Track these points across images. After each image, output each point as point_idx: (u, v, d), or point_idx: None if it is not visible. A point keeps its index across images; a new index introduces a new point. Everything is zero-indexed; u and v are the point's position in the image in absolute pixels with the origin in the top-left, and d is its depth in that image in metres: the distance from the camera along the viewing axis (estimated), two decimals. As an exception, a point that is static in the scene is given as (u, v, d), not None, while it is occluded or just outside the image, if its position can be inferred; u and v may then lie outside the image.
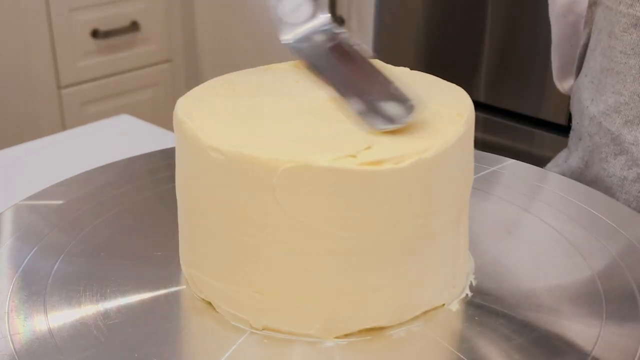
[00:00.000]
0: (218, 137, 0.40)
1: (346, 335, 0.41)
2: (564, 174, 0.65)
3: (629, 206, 0.58)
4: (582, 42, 0.66)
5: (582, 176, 0.64)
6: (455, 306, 0.43)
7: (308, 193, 0.38)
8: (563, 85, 0.74)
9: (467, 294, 0.44)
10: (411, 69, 0.50)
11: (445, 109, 0.43)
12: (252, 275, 0.41)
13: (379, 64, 0.47)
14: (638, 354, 0.39)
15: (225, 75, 0.49)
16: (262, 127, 0.42)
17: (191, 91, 0.46)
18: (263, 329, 0.41)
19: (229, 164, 0.39)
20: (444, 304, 0.43)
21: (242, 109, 0.44)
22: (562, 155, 0.69)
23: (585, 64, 0.65)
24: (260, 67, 0.50)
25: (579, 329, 0.41)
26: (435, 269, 0.42)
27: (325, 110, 0.43)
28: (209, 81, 0.48)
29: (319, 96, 0.45)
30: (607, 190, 0.60)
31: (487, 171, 0.57)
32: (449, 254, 0.43)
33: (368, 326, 0.41)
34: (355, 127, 0.41)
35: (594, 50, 0.63)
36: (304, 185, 0.38)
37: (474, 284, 0.45)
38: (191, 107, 0.44)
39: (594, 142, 0.61)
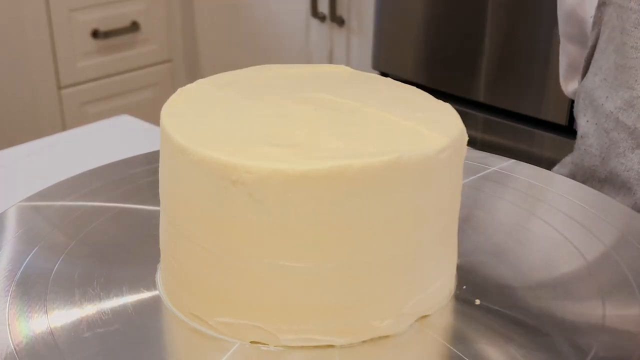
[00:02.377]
0: (192, 139, 0.40)
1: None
2: (574, 174, 0.66)
3: None
4: (590, 43, 0.66)
5: (596, 174, 0.64)
6: (447, 312, 0.43)
7: (279, 198, 0.38)
8: (568, 87, 0.75)
9: (460, 300, 0.44)
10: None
11: (433, 133, 0.42)
12: (228, 283, 0.41)
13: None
14: (637, 355, 0.39)
15: (219, 75, 0.49)
16: (241, 130, 0.42)
17: (176, 93, 0.46)
18: (246, 340, 0.41)
19: (200, 166, 0.39)
20: (436, 309, 0.43)
21: (228, 110, 0.44)
22: (568, 158, 0.69)
23: (594, 64, 0.65)
24: (256, 67, 0.50)
25: (579, 326, 0.41)
26: (427, 275, 0.42)
27: (310, 114, 0.43)
28: (195, 82, 0.48)
29: (308, 99, 0.45)
30: (624, 184, 0.61)
31: (487, 171, 0.57)
32: (440, 261, 0.43)
33: (365, 339, 0.41)
34: (334, 131, 0.41)
35: (606, 49, 0.63)
36: (276, 190, 0.38)
37: (467, 289, 0.45)
38: (175, 110, 0.44)
39: (610, 138, 0.62)
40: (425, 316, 0.42)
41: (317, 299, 0.40)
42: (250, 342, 0.41)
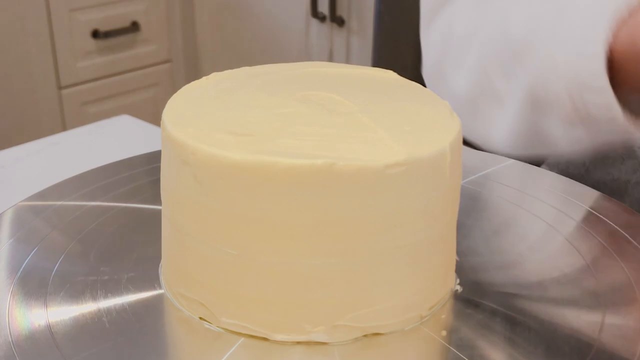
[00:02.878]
0: (191, 135, 0.41)
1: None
2: None
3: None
4: None
5: (582, 181, 0.63)
6: (446, 311, 0.43)
7: (216, 183, 0.39)
8: None
9: (458, 299, 0.44)
10: (411, 70, 0.49)
11: (428, 133, 0.42)
12: (224, 279, 0.41)
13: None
14: (637, 354, 0.39)
15: (220, 73, 0.49)
16: (222, 118, 0.42)
17: (178, 92, 0.47)
18: (243, 334, 0.41)
19: (166, 145, 0.40)
20: (432, 309, 0.43)
21: (227, 101, 0.44)
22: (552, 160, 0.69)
23: None
24: (257, 67, 0.50)
25: (578, 325, 0.41)
26: (422, 275, 0.42)
27: (299, 111, 0.43)
28: (195, 81, 0.48)
29: (312, 97, 0.45)
30: (612, 194, 0.60)
31: (487, 171, 0.57)
32: (438, 259, 0.43)
33: (362, 334, 0.41)
34: (309, 130, 0.41)
35: None
36: (213, 175, 0.39)
37: (465, 289, 0.45)
38: (175, 108, 0.44)
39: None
40: (377, 334, 0.41)
41: (252, 288, 0.40)
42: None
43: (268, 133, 0.41)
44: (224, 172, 0.39)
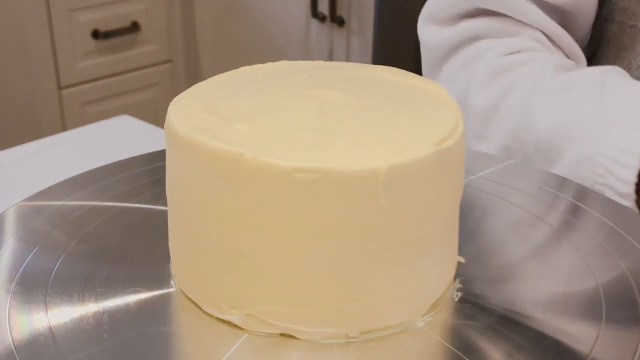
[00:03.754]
0: (199, 131, 0.41)
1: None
2: None
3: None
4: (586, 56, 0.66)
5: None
6: (446, 312, 0.43)
7: (277, 192, 0.39)
8: None
9: (459, 300, 0.44)
10: (411, 70, 0.49)
11: (431, 122, 0.43)
12: (228, 274, 0.41)
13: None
14: (637, 354, 0.39)
15: (225, 74, 0.49)
16: (244, 125, 0.42)
17: (186, 91, 0.47)
18: (248, 329, 0.41)
19: (206, 158, 0.40)
20: (439, 306, 0.43)
21: (230, 107, 0.44)
22: None
23: None
24: (259, 65, 0.50)
25: (579, 328, 0.42)
26: (422, 275, 0.42)
27: (312, 113, 0.43)
28: (204, 81, 0.48)
29: (314, 96, 0.45)
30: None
31: (487, 171, 0.57)
32: (438, 259, 0.43)
33: (359, 331, 0.41)
34: (340, 129, 0.41)
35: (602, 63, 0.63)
36: (274, 184, 0.38)
37: (466, 289, 0.45)
38: (182, 105, 0.44)
39: None
40: (378, 334, 0.42)
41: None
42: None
43: (318, 138, 0.41)
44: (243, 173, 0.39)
